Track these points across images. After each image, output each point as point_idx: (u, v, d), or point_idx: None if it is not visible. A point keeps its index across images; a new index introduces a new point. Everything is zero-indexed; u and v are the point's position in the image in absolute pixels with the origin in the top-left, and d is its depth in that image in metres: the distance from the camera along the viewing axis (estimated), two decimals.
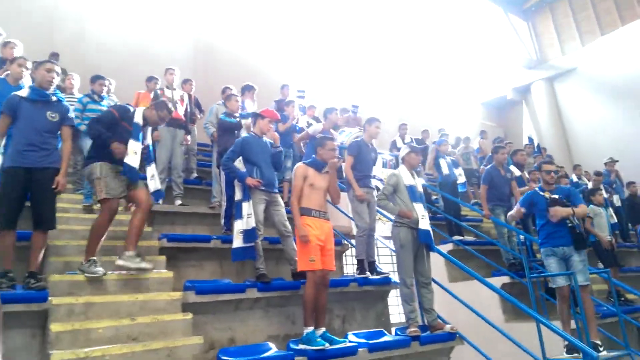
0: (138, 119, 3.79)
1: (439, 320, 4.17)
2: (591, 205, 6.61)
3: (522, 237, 5.67)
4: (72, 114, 3.68)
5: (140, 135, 3.75)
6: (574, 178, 9.36)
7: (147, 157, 3.95)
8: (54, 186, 3.31)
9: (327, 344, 3.36)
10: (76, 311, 3.11)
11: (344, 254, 5.71)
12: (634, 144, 13.09)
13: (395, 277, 4.62)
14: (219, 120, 5.27)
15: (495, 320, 4.71)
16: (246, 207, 3.97)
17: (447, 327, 4.07)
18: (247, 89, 6.25)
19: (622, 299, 6.00)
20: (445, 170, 7.23)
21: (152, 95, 5.99)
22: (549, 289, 5.19)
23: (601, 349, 4.11)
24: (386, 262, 7.66)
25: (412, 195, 4.20)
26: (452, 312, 4.76)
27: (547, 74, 15.98)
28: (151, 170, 3.98)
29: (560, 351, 4.28)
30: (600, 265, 6.32)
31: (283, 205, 4.35)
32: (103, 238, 3.58)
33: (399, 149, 7.47)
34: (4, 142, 3.50)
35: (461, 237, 6.69)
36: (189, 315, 3.37)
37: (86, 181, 4.35)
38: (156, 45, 9.62)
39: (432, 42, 15.88)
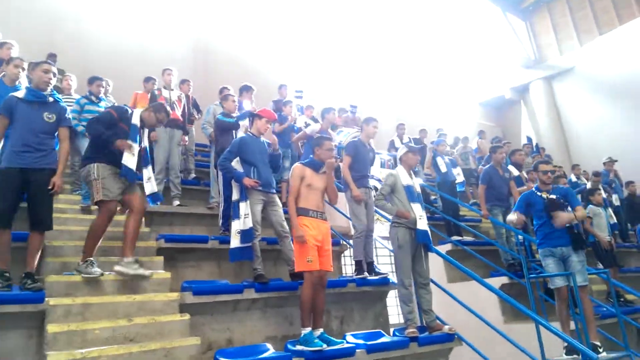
0: (136, 120, 3.78)
1: (438, 321, 4.16)
2: (590, 206, 6.61)
3: (520, 237, 5.65)
4: (69, 115, 3.67)
5: (138, 137, 3.74)
6: (573, 178, 9.36)
7: (144, 159, 3.92)
8: (49, 187, 3.28)
9: (324, 345, 3.34)
10: (73, 312, 3.10)
11: (342, 255, 5.69)
12: (633, 143, 13.10)
13: (393, 278, 4.61)
14: (216, 120, 5.26)
15: (494, 321, 4.70)
16: (243, 207, 3.96)
17: (446, 328, 4.06)
18: (245, 90, 6.24)
19: (622, 299, 5.99)
20: (443, 168, 7.23)
21: (149, 95, 5.99)
22: (549, 290, 5.17)
23: (601, 350, 4.10)
24: (385, 262, 7.65)
25: (410, 195, 4.19)
26: (451, 312, 4.75)
27: (545, 74, 16.00)
28: (147, 172, 3.96)
29: (560, 352, 4.27)
30: (600, 266, 6.31)
31: (280, 205, 4.34)
32: (101, 239, 3.56)
33: (397, 149, 7.45)
34: (2, 143, 3.49)
35: (460, 238, 6.68)
36: (186, 316, 3.35)
37: (84, 182, 4.33)
38: (154, 46, 9.62)
39: (430, 41, 15.89)
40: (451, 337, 4.06)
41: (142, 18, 9.91)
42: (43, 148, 3.38)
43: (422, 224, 4.09)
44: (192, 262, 4.52)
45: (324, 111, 5.93)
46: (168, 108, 4.15)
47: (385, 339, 3.99)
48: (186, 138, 6.22)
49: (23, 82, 4.19)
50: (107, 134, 3.56)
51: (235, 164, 4.22)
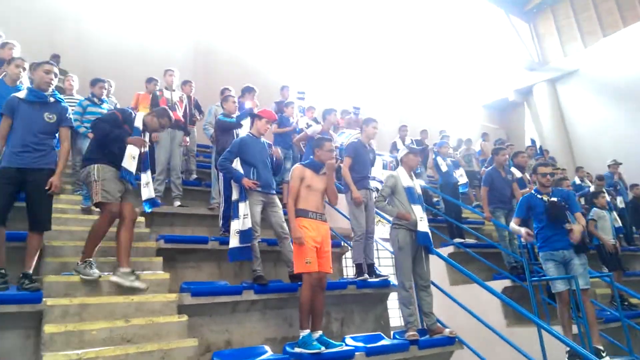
0: (138, 123, 3.79)
1: (438, 324, 4.12)
2: (594, 208, 6.56)
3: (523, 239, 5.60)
4: (70, 115, 3.66)
5: None
6: (577, 180, 9.29)
7: (144, 163, 3.92)
8: (47, 187, 3.28)
9: (323, 348, 3.31)
10: (71, 312, 3.09)
11: (343, 256, 5.67)
12: (637, 145, 12.99)
13: (394, 280, 4.58)
14: (217, 120, 5.25)
15: (496, 324, 4.65)
16: (242, 208, 3.94)
17: (447, 331, 4.02)
18: (247, 91, 6.23)
19: (626, 303, 5.93)
20: (443, 167, 7.20)
21: (151, 96, 5.99)
22: (552, 293, 5.13)
23: (604, 354, 4.04)
24: (387, 264, 7.61)
25: (411, 197, 4.16)
26: (453, 315, 4.71)
27: (549, 76, 15.91)
28: (146, 177, 3.95)
29: (563, 357, 4.21)
30: (605, 269, 6.25)
31: (280, 206, 4.32)
32: (101, 240, 3.55)
33: (399, 151, 7.43)
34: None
35: (462, 240, 6.64)
36: (184, 317, 3.33)
37: (83, 183, 4.32)
38: (156, 47, 9.64)
39: (434, 43, 15.85)
40: (452, 341, 4.01)
41: (143, 18, 9.93)
42: (42, 148, 3.37)
43: (423, 226, 4.06)
44: (192, 263, 4.50)
45: (325, 112, 5.91)
46: (171, 113, 4.14)
47: (385, 341, 3.95)
48: (187, 139, 6.22)
49: (25, 82, 4.20)
50: (115, 133, 3.57)
51: (236, 164, 4.21)
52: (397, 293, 4.20)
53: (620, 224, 7.14)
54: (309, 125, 6.47)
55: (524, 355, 3.96)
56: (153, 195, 4.01)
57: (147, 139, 3.96)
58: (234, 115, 5.20)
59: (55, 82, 3.57)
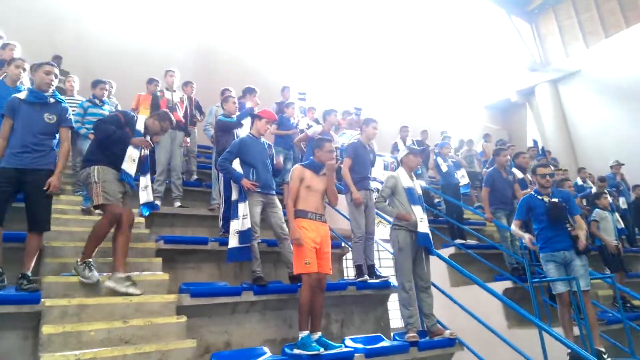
0: (140, 126, 3.79)
1: (439, 325, 4.10)
2: (596, 209, 6.55)
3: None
4: (70, 115, 3.66)
5: None
6: (579, 181, 9.24)
7: (143, 167, 3.92)
8: (45, 187, 3.27)
9: (322, 349, 3.30)
10: (69, 313, 3.08)
11: (344, 257, 5.65)
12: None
13: (395, 281, 4.56)
14: (217, 120, 5.25)
15: (497, 326, 4.63)
16: (242, 208, 3.94)
17: (447, 333, 3.99)
18: (248, 92, 6.23)
19: (628, 305, 5.90)
20: (444, 168, 7.19)
21: (151, 97, 5.99)
22: (553, 294, 5.10)
23: (605, 356, 4.02)
24: (388, 265, 7.59)
25: (411, 198, 4.14)
26: (454, 317, 4.68)
27: (551, 77, 15.86)
28: (145, 181, 3.94)
29: (564, 359, 4.18)
30: (607, 271, 6.21)
31: (280, 207, 4.31)
32: (102, 241, 3.54)
33: (399, 151, 7.42)
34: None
35: (463, 241, 6.62)
36: (183, 318, 3.32)
37: (83, 184, 4.32)
38: (157, 48, 9.66)
39: (435, 44, 15.84)
40: (452, 342, 3.99)
41: (144, 19, 9.95)
42: (41, 149, 3.36)
43: (423, 227, 4.04)
44: (192, 264, 4.50)
45: (325, 113, 5.90)
46: (172, 117, 4.14)
47: (384, 343, 3.93)
48: (188, 139, 6.22)
49: (26, 82, 4.21)
50: (117, 134, 3.57)
51: (236, 165, 4.21)
52: (397, 294, 4.18)
53: (623, 225, 7.11)
54: (309, 126, 6.46)
55: (524, 358, 3.93)
56: (151, 199, 4.00)
57: (147, 139, 3.96)
58: (234, 116, 5.20)
59: (55, 83, 3.58)
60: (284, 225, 4.15)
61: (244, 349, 3.57)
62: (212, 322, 3.74)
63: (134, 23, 9.77)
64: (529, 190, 5.94)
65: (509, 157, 6.21)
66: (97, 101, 5.60)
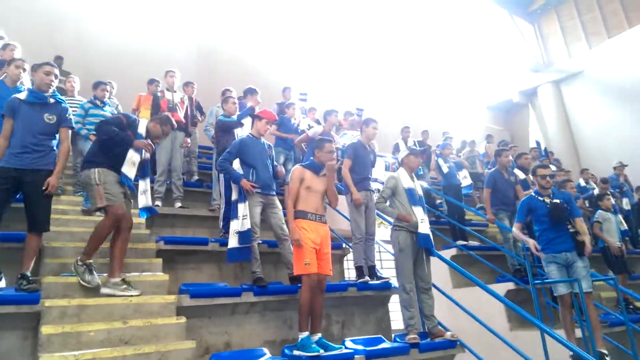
0: (142, 130, 3.78)
1: (440, 327, 4.07)
2: (599, 211, 6.52)
3: None
4: (70, 115, 3.66)
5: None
6: (582, 182, 9.20)
7: (143, 170, 3.91)
8: (44, 187, 3.27)
9: (321, 351, 3.28)
10: (69, 313, 3.07)
11: (344, 258, 5.63)
12: None
13: (396, 282, 4.53)
14: (217, 120, 5.25)
15: (500, 328, 4.60)
16: (241, 209, 3.93)
17: (448, 335, 3.96)
18: (249, 92, 6.22)
19: (631, 307, 5.85)
20: (444, 169, 7.17)
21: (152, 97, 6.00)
22: (556, 296, 5.07)
23: (608, 358, 3.99)
24: (389, 267, 7.57)
25: (412, 198, 4.12)
26: (455, 318, 4.66)
27: (553, 77, 15.83)
28: (144, 185, 3.93)
29: None
30: (611, 273, 6.18)
31: (280, 208, 4.29)
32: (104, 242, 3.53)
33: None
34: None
35: (465, 242, 6.59)
36: (183, 319, 3.30)
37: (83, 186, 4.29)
38: (158, 48, 9.67)
39: (437, 45, 15.82)
40: (453, 344, 3.96)
41: (145, 20, 9.97)
42: (41, 149, 3.36)
43: (424, 228, 4.02)
44: (192, 265, 4.49)
45: (326, 113, 5.89)
46: (174, 121, 4.14)
47: (385, 344, 3.91)
48: (188, 140, 6.21)
49: (26, 83, 4.21)
50: (121, 135, 3.57)
51: (236, 165, 4.20)
52: (398, 295, 4.16)
53: (626, 227, 7.07)
54: (310, 127, 6.46)
55: None
56: (150, 203, 3.99)
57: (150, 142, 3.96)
58: (235, 116, 5.19)
59: (55, 83, 3.58)
60: (284, 226, 4.13)
61: (244, 350, 3.56)
62: (212, 323, 3.73)
63: (135, 23, 9.78)
64: (531, 191, 5.92)
65: (510, 157, 6.19)
66: (98, 102, 5.60)
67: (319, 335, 3.52)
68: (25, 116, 3.37)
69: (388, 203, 4.22)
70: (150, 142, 3.80)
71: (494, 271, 5.93)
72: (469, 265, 5.80)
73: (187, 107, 6.17)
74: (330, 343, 3.51)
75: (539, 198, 4.46)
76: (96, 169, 3.49)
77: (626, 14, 14.33)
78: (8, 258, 3.44)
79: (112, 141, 3.56)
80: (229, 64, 10.45)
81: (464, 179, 7.62)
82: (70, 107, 4.22)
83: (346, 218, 5.47)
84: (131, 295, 3.35)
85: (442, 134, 9.82)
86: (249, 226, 3.90)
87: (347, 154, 4.78)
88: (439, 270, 5.35)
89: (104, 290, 3.34)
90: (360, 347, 3.67)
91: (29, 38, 6.20)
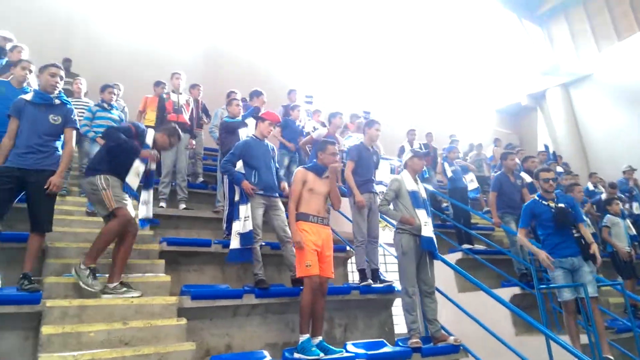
0: (149, 140, 3.80)
1: (443, 331, 4.02)
2: (608, 215, 6.44)
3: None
4: (75, 116, 3.69)
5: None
6: (590, 186, 9.08)
7: (148, 181, 3.92)
8: (45, 186, 3.28)
9: (322, 354, 3.25)
10: (70, 314, 3.07)
11: (348, 261, 5.60)
12: None
13: (399, 286, 4.49)
14: (222, 122, 5.26)
15: (505, 333, 4.53)
16: (243, 210, 3.92)
17: (451, 339, 3.91)
18: (255, 94, 6.23)
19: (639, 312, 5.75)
20: (448, 173, 7.12)
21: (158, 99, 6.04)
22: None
23: None
24: (393, 270, 7.51)
25: (415, 201, 4.08)
26: (460, 322, 4.59)
27: (562, 80, 15.67)
28: (146, 195, 3.93)
29: None
30: (620, 278, 6.08)
31: (283, 209, 4.27)
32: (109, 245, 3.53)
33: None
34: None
35: (471, 246, 6.52)
36: (183, 321, 3.29)
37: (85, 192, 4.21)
38: (165, 51, 9.75)
39: (446, 48, 15.75)
40: (456, 349, 3.91)
41: (152, 23, 10.06)
42: (45, 149, 3.38)
43: (427, 231, 3.97)
44: (195, 266, 4.49)
45: (330, 116, 5.88)
46: (181, 132, 4.19)
47: (387, 349, 3.86)
48: (194, 142, 6.24)
49: (33, 84, 4.25)
50: (130, 143, 3.59)
51: (239, 166, 4.20)
52: (401, 299, 4.11)
53: (635, 232, 6.96)
54: (315, 129, 6.45)
55: None
56: (150, 215, 3.98)
57: (156, 153, 3.97)
58: (239, 118, 5.20)
59: (61, 85, 3.60)
60: (287, 228, 4.11)
61: (244, 352, 3.54)
62: (214, 324, 3.72)
63: (142, 26, 9.87)
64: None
65: (516, 161, 6.12)
66: (105, 105, 5.66)
67: (320, 338, 3.50)
68: (30, 117, 3.41)
69: (391, 206, 4.19)
70: (156, 153, 3.80)
71: (500, 275, 5.86)
72: (475, 269, 5.73)
73: (192, 109, 6.19)
74: (331, 346, 3.48)
75: (543, 202, 4.40)
76: (101, 175, 3.48)
77: (636, 15, 14.16)
78: (11, 258, 3.47)
79: (119, 148, 3.58)
80: (235, 66, 10.49)
81: (471, 182, 7.56)
82: (76, 108, 4.26)
83: (350, 221, 5.44)
84: (132, 297, 3.34)
85: (449, 136, 9.75)
86: (251, 228, 3.89)
87: (350, 156, 4.76)
88: (444, 274, 5.29)
89: (104, 297, 3.32)
90: (361, 351, 3.63)
91: (38, 40, 6.27)
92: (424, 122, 12.66)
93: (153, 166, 3.91)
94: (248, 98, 6.23)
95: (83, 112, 5.57)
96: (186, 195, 5.64)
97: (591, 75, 15.11)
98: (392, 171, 7.56)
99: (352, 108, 8.73)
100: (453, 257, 6.14)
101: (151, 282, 3.69)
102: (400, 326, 5.64)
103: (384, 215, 4.53)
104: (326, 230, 3.74)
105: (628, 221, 6.79)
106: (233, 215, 4.16)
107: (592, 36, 15.15)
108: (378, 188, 4.99)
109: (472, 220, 7.15)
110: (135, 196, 3.73)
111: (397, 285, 4.59)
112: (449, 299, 4.47)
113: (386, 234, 5.87)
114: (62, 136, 3.57)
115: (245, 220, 3.89)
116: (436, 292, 4.14)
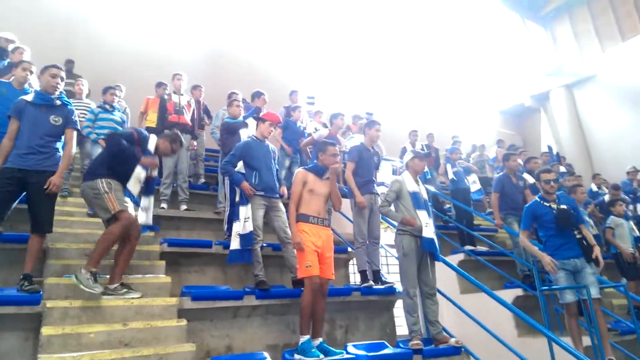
0: (151, 146, 3.81)
1: (444, 333, 4.00)
2: (611, 216, 6.41)
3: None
4: (75, 117, 3.69)
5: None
6: (593, 187, 9.03)
7: (149, 187, 3.93)
8: (45, 186, 3.28)
9: (322, 356, 3.23)
10: (70, 315, 3.08)
11: (350, 262, 5.58)
12: None
13: (401, 287, 4.47)
14: (223, 122, 5.26)
15: (507, 334, 4.50)
16: (244, 211, 3.91)
17: (452, 341, 3.89)
18: (257, 95, 6.24)
19: None
20: (450, 175, 7.10)
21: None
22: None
23: None
24: (395, 271, 7.48)
25: (416, 202, 4.06)
26: (462, 323, 4.57)
27: (566, 81, 15.60)
28: (147, 202, 3.93)
29: None
30: (623, 279, 6.04)
31: (284, 211, 4.25)
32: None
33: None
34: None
35: (473, 247, 6.49)
36: (183, 322, 3.29)
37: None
38: (167, 52, 9.77)
39: (449, 49, 15.72)
40: (458, 350, 3.89)
41: (154, 24, 10.08)
42: (46, 150, 3.39)
43: (428, 232, 3.95)
44: (196, 267, 4.48)
45: (332, 117, 5.87)
46: (182, 139, 4.20)
47: (388, 350, 3.84)
48: (195, 143, 6.24)
49: (35, 85, 4.26)
50: (130, 151, 3.59)
51: (240, 167, 4.19)
52: (402, 300, 4.10)
53: (639, 234, 6.91)
54: (317, 130, 6.44)
55: None
56: (150, 222, 3.98)
57: (157, 161, 3.98)
58: (240, 119, 5.20)
59: (61, 86, 3.61)
60: (288, 229, 4.09)
61: (244, 353, 3.53)
62: (214, 326, 3.71)
63: (144, 27, 9.90)
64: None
65: (519, 162, 6.10)
66: (107, 107, 5.68)
67: (321, 339, 3.48)
68: (31, 118, 3.41)
69: (392, 207, 4.17)
70: (157, 159, 3.81)
71: (503, 277, 5.83)
72: (477, 270, 5.70)
73: (194, 110, 6.20)
74: (331, 348, 3.46)
75: (545, 204, 4.37)
76: (102, 179, 3.47)
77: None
78: (12, 259, 3.47)
79: (122, 154, 3.58)
80: (236, 67, 10.49)
81: (473, 183, 7.52)
82: (78, 109, 4.27)
83: (352, 222, 5.43)
84: (133, 298, 3.34)
85: (451, 137, 9.73)
86: (251, 229, 3.88)
87: (350, 157, 4.75)
88: (445, 275, 5.27)
89: (105, 298, 3.31)
90: (361, 353, 3.61)
91: (40, 41, 6.29)
92: (426, 123, 12.62)
93: (154, 173, 3.91)
94: (250, 99, 6.23)
95: (85, 114, 5.60)
96: (187, 196, 5.63)
97: (595, 76, 15.03)
98: (394, 172, 7.54)
99: (354, 109, 8.71)
100: (455, 259, 6.11)
101: (151, 283, 3.69)
102: (401, 328, 5.62)
103: (385, 216, 4.51)
104: (326, 231, 3.72)
105: (632, 222, 6.75)
106: (234, 217, 4.16)
107: (596, 37, 15.08)
108: (380, 189, 4.97)
109: (475, 222, 7.13)
110: (136, 202, 3.73)
111: (399, 287, 4.57)
112: (451, 301, 4.45)
113: (387, 235, 5.85)
114: (62, 137, 3.58)
115: (246, 221, 3.88)
116: (437, 294, 4.12)
